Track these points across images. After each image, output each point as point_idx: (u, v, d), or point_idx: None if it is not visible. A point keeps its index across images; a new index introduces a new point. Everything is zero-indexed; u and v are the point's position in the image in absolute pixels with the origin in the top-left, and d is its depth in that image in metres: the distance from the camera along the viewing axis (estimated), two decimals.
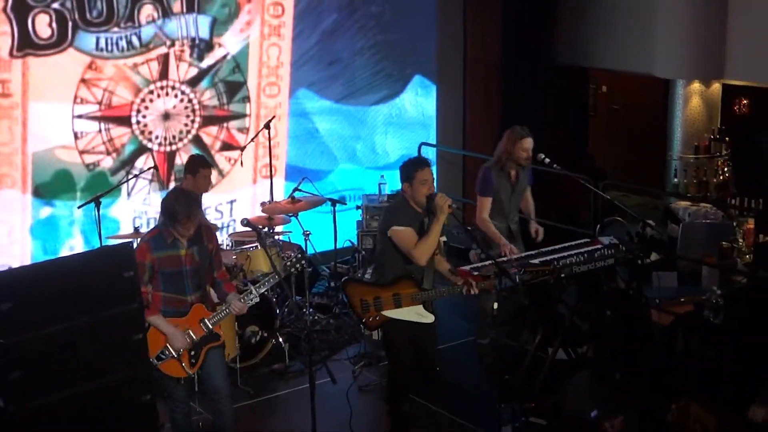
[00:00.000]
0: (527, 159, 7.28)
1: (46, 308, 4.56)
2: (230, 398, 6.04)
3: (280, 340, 7.59)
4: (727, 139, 10.30)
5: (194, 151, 8.92)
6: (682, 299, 7.72)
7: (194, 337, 5.63)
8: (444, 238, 7.19)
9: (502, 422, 6.37)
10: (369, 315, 6.14)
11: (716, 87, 10.43)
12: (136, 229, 8.02)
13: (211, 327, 5.74)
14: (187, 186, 7.83)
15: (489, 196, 7.24)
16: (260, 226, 7.81)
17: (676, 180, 10.31)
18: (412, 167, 6.14)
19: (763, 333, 6.20)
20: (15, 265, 7.83)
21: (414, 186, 6.05)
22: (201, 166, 7.87)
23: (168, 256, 5.60)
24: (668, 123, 10.53)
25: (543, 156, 7.54)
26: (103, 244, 7.47)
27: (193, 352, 5.66)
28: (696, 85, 10.34)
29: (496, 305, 6.53)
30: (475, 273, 6.85)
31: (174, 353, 5.57)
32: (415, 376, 6.39)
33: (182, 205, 5.53)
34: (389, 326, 6.19)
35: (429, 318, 6.24)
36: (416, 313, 6.19)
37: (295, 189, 8.38)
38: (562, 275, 6.90)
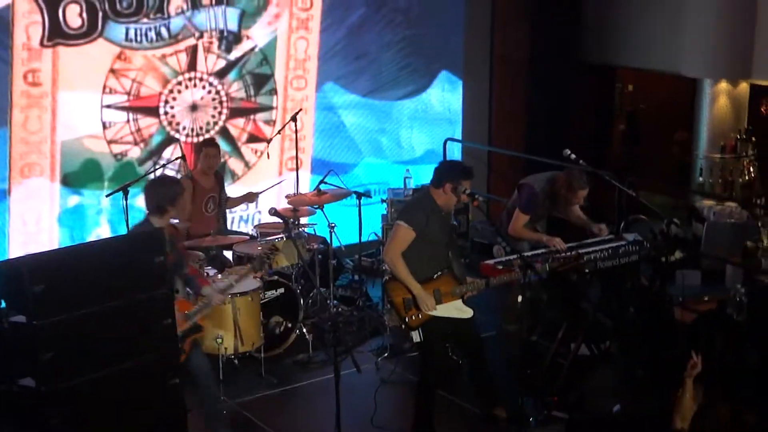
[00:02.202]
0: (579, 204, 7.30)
1: (78, 291, 4.62)
2: (211, 387, 6.21)
3: (304, 330, 7.65)
4: (753, 139, 10.31)
5: (221, 142, 8.98)
6: (706, 297, 7.77)
7: (180, 329, 5.63)
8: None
9: (524, 415, 6.42)
10: (411, 313, 6.14)
11: (743, 87, 10.43)
12: None
13: (195, 320, 5.90)
14: (200, 173, 8.12)
15: (529, 215, 7.23)
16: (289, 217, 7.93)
17: (701, 179, 10.30)
18: (461, 175, 6.10)
19: None
20: None
21: (457, 191, 6.02)
22: (204, 145, 8.02)
23: None
24: (694, 122, 10.53)
25: (569, 152, 7.56)
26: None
27: (180, 344, 5.71)
28: (723, 85, 10.33)
29: (520, 298, 6.60)
30: (500, 267, 6.92)
31: None
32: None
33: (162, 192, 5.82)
34: (430, 325, 6.17)
35: (468, 312, 6.32)
36: (456, 309, 6.26)
37: (321, 181, 8.39)
38: (586, 270, 6.96)
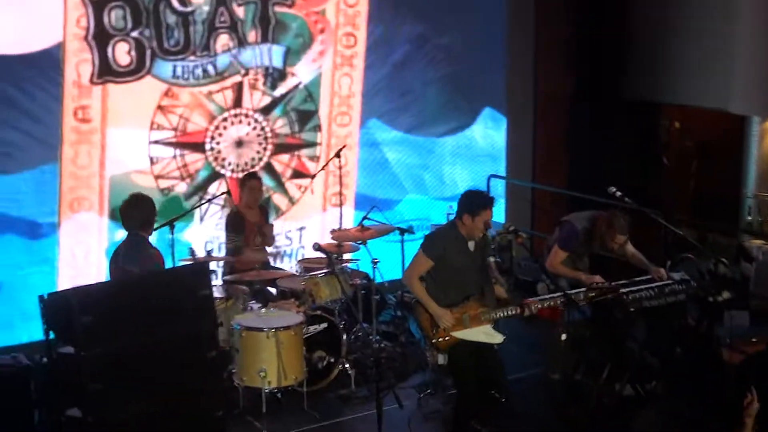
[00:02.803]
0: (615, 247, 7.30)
1: (125, 323, 4.71)
2: None
3: (347, 365, 7.63)
4: None
5: (266, 178, 9.07)
6: (754, 339, 7.66)
7: None
8: (493, 259, 7.25)
9: None
10: (438, 335, 6.27)
11: None
12: (208, 253, 8.16)
13: None
14: (245, 207, 8.20)
15: (568, 252, 7.28)
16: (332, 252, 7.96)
17: (749, 218, 10.20)
18: (481, 203, 6.29)
19: None
20: None
21: (475, 221, 6.22)
22: (247, 178, 8.09)
23: None
24: (743, 160, 10.44)
25: (614, 189, 7.55)
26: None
27: None
28: None
29: (564, 336, 6.57)
30: (543, 304, 6.90)
31: None
32: (482, 399, 6.47)
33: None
34: (456, 348, 6.30)
35: (498, 338, 6.41)
36: (484, 333, 6.35)
37: (365, 217, 8.44)
38: (632, 309, 6.91)
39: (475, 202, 6.32)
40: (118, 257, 6.45)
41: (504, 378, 6.65)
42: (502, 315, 6.44)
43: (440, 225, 6.61)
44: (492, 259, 6.67)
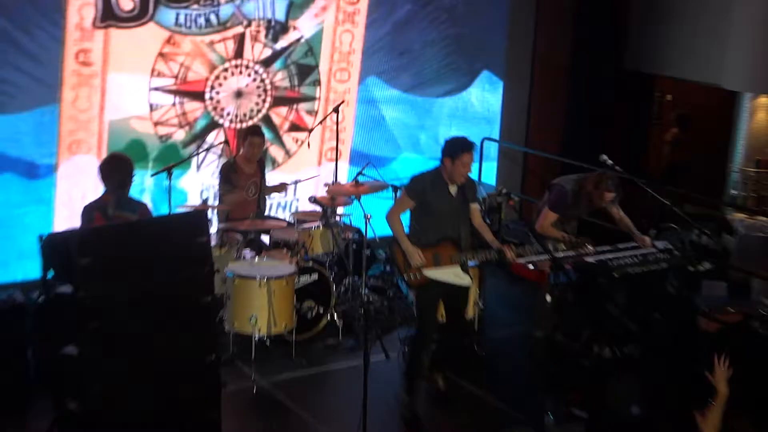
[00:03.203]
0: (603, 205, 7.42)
1: (123, 266, 4.71)
2: None
3: (335, 316, 7.77)
4: None
5: (264, 129, 9.01)
6: (731, 309, 7.73)
7: None
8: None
9: (544, 411, 6.51)
10: (411, 272, 6.48)
11: None
12: (204, 201, 8.27)
13: None
14: (243, 160, 8.19)
15: (558, 214, 7.38)
16: (327, 206, 8.07)
17: (734, 192, 10.30)
18: (459, 147, 6.49)
19: None
20: None
21: (455, 164, 6.43)
22: (249, 134, 8.15)
23: None
24: (731, 135, 10.52)
25: (605, 158, 7.63)
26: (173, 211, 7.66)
27: None
28: (763, 99, 10.30)
29: (549, 298, 6.71)
30: (530, 266, 7.04)
31: None
32: (447, 342, 6.86)
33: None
34: (424, 287, 6.53)
35: (466, 280, 6.61)
36: (454, 275, 6.53)
37: (359, 173, 8.52)
38: (615, 275, 7.03)
39: (454, 146, 6.51)
40: (107, 208, 6.37)
41: (461, 322, 6.99)
42: (474, 257, 6.63)
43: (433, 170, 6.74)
44: (477, 206, 6.79)
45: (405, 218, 6.71)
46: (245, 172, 8.19)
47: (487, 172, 10.44)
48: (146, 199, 8.71)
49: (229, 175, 8.10)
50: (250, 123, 9.15)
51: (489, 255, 6.65)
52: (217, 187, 8.42)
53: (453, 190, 6.57)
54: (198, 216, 5.48)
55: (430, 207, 6.53)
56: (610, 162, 7.56)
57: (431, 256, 6.49)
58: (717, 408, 4.84)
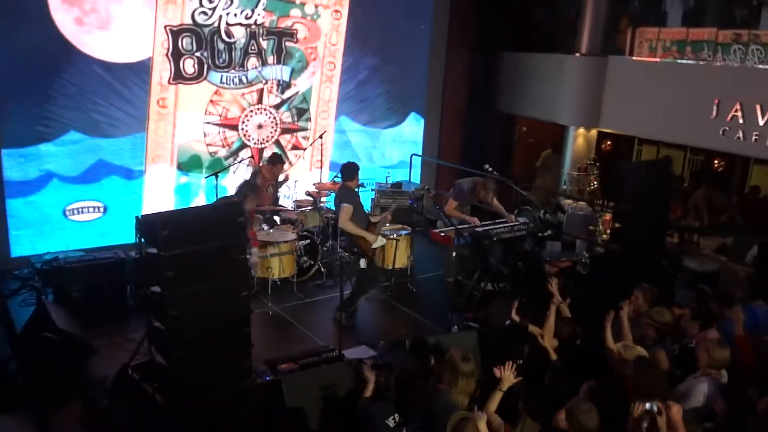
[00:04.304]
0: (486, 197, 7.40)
1: (189, 235, 4.56)
2: None
3: (321, 266, 7.73)
4: (597, 164, 10.39)
5: (276, 149, 9.00)
6: (564, 259, 7.90)
7: None
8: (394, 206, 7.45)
9: (450, 324, 6.59)
10: (370, 248, 6.64)
11: (593, 132, 10.54)
12: (239, 192, 8.11)
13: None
14: (265, 170, 7.98)
15: (458, 201, 7.38)
16: (315, 196, 7.99)
17: (565, 186, 10.42)
18: (356, 172, 6.70)
19: (611, 279, 6.32)
20: None
21: (354, 182, 6.65)
22: (277, 161, 8.04)
23: None
24: (563, 152, 10.60)
25: (488, 166, 7.69)
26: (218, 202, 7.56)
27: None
28: (581, 130, 10.45)
29: (454, 254, 6.74)
30: (442, 234, 7.06)
31: None
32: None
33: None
34: (372, 252, 6.70)
35: (383, 242, 7.00)
36: (380, 241, 6.84)
37: (335, 176, 8.46)
38: (494, 239, 7.09)
39: (353, 171, 6.69)
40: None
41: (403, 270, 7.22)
42: (383, 227, 6.90)
43: (342, 187, 6.71)
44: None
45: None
46: (266, 177, 8.06)
47: (414, 175, 10.45)
48: (201, 194, 8.65)
49: (255, 180, 7.98)
50: (267, 145, 9.03)
51: (386, 218, 6.90)
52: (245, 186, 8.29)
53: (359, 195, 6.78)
54: (237, 203, 5.36)
55: (357, 208, 6.62)
56: (490, 169, 7.61)
57: (373, 233, 6.59)
58: (551, 316, 4.97)
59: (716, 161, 10.42)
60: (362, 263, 6.62)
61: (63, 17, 7.43)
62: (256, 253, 6.69)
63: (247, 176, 8.23)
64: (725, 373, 4.35)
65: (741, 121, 8.19)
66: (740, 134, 8.20)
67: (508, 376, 3.92)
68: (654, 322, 4.99)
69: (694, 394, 4.18)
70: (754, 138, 8.10)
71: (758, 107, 8.00)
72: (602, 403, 3.76)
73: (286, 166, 9.18)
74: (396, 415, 4.08)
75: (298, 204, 8.47)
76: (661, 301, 5.34)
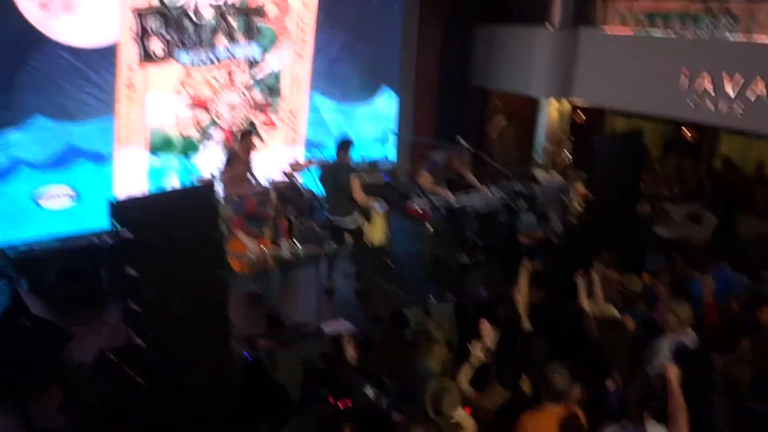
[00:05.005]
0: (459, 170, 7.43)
1: (163, 217, 4.48)
2: None
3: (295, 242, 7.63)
4: (570, 137, 10.46)
5: (249, 126, 8.91)
6: (538, 229, 8.00)
7: None
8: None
9: (428, 296, 6.65)
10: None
11: (567, 105, 10.55)
12: (212, 175, 8.08)
13: None
14: (239, 147, 7.87)
15: (433, 175, 7.40)
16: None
17: (538, 159, 10.47)
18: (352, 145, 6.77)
19: (582, 249, 6.40)
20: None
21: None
22: (250, 134, 7.94)
23: None
24: (537, 125, 10.63)
25: (460, 138, 7.70)
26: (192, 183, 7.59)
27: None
28: (554, 102, 10.45)
29: (430, 228, 6.78)
30: (420, 210, 7.10)
31: None
32: None
33: None
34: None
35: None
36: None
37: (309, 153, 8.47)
38: (469, 212, 7.13)
39: (351, 144, 6.77)
40: None
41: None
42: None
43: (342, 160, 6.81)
44: None
45: None
46: (241, 157, 7.97)
47: (389, 149, 10.45)
48: (173, 175, 8.56)
49: (231, 159, 7.92)
50: (241, 125, 8.91)
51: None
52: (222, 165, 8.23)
53: None
54: (208, 184, 5.33)
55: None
56: (463, 142, 7.63)
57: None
58: (524, 282, 5.03)
59: (686, 131, 10.55)
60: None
61: (27, 4, 7.26)
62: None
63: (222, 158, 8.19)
64: (692, 331, 4.46)
65: (712, 92, 8.30)
66: (710, 105, 8.32)
67: (478, 355, 3.98)
68: (624, 290, 5.09)
69: (662, 350, 4.29)
70: (725, 110, 8.21)
71: (728, 78, 8.11)
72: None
73: (258, 142, 9.13)
74: (376, 386, 4.15)
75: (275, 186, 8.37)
76: (632, 268, 5.44)
